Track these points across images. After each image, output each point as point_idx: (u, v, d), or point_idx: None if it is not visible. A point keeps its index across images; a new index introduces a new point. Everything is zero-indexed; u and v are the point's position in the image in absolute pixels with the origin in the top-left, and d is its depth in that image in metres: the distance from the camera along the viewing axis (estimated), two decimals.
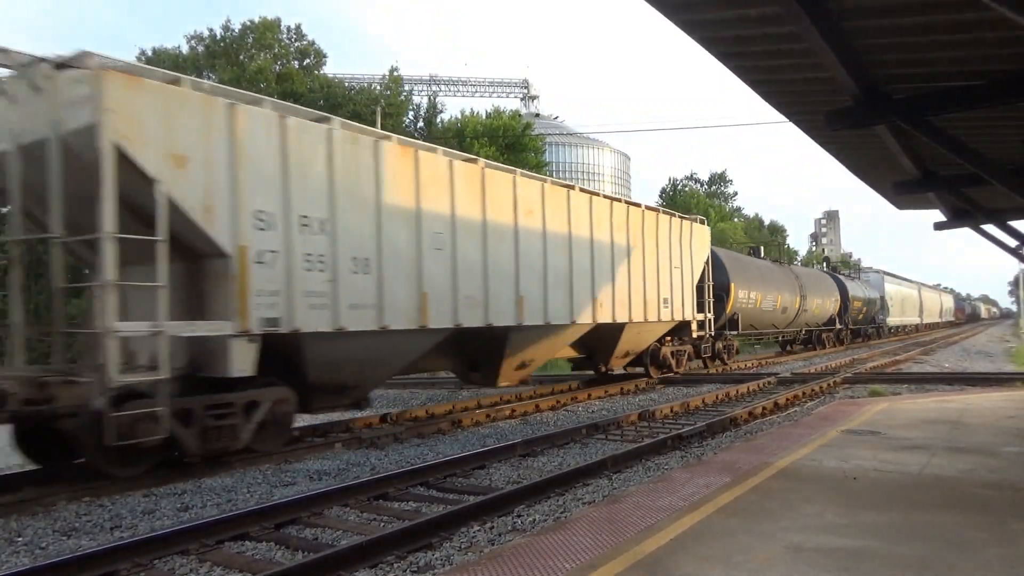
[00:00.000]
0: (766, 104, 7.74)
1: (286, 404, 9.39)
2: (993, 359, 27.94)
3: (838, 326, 35.44)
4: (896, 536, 4.82)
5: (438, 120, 39.68)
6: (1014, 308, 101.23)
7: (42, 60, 8.02)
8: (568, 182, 15.73)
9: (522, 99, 70.58)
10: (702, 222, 20.05)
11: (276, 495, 7.53)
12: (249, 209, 8.58)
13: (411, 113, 39.54)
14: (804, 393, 15.09)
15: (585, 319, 14.25)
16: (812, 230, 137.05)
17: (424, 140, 38.22)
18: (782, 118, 8.21)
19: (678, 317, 17.92)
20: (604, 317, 14.85)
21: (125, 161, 7.55)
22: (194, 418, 8.25)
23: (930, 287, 73.78)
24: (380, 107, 32.21)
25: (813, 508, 5.52)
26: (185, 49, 38.75)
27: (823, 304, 31.93)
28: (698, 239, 19.27)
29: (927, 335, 51.41)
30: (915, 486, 6.21)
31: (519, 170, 13.35)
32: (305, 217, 9.17)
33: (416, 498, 7.36)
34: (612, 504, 5.97)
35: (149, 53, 39.32)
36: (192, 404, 8.25)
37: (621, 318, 15.44)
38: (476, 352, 12.77)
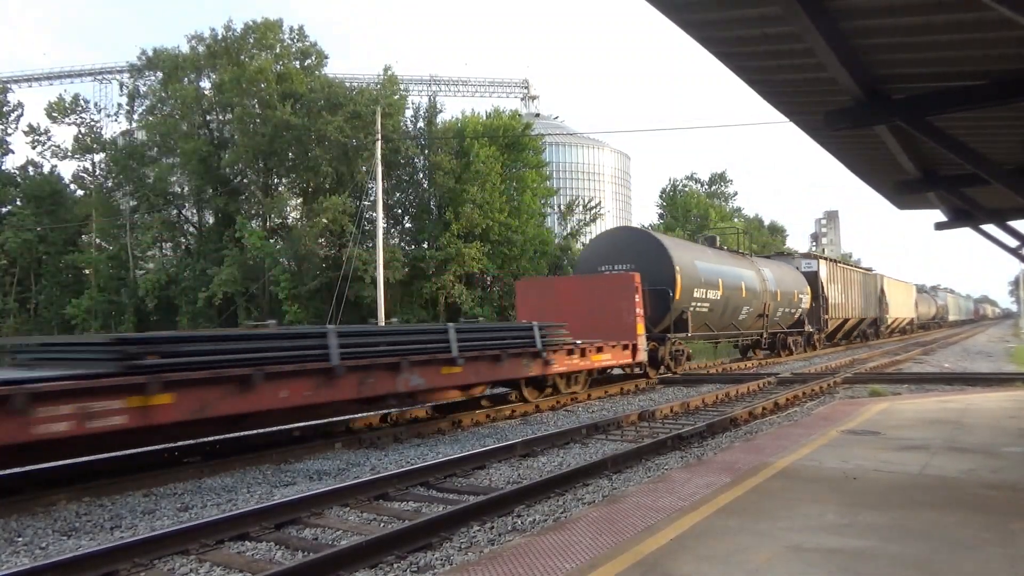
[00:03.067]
0: (766, 104, 7.75)
1: None
2: (993, 359, 27.94)
3: (935, 321, 67.83)
4: (897, 536, 4.82)
5: (438, 120, 39.67)
6: (1014, 308, 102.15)
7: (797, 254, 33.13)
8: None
9: (522, 99, 70.61)
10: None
11: (276, 495, 7.53)
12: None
13: (409, 112, 39.50)
14: (804, 393, 15.09)
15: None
16: (812, 230, 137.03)
17: (424, 140, 38.27)
18: (782, 118, 8.21)
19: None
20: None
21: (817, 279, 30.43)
22: None
23: (959, 295, 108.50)
24: (380, 108, 32.16)
25: (813, 508, 5.51)
26: (185, 49, 38.76)
27: (932, 310, 65.20)
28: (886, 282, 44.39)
29: (927, 335, 52.78)
30: (915, 486, 6.20)
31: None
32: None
33: (416, 498, 7.36)
34: (612, 504, 5.97)
35: (150, 53, 39.39)
36: None
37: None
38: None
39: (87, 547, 5.83)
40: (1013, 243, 13.17)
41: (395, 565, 5.36)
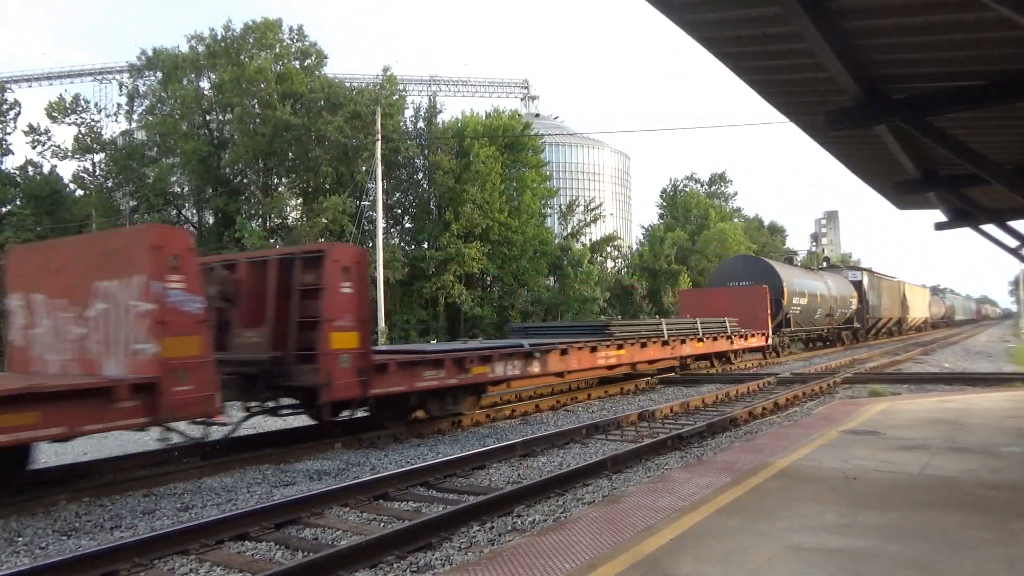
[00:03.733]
0: (766, 104, 7.74)
1: None
2: (993, 359, 27.93)
3: (944, 320, 74.68)
4: (896, 536, 4.82)
5: (438, 120, 39.64)
6: (1014, 308, 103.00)
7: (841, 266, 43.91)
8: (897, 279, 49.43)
9: (522, 99, 70.55)
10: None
11: (276, 495, 7.53)
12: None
13: (409, 112, 39.49)
14: (804, 393, 15.09)
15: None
16: (812, 230, 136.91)
17: (424, 140, 38.28)
18: (782, 118, 8.21)
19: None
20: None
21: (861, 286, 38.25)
22: None
23: (963, 296, 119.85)
24: (380, 108, 32.13)
25: (813, 508, 5.52)
26: (185, 49, 38.73)
27: (942, 310, 73.42)
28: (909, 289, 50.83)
29: (928, 335, 53.00)
30: (915, 486, 6.21)
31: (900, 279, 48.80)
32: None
33: (416, 498, 7.36)
34: (612, 504, 5.97)
35: (149, 53, 39.36)
36: None
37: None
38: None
39: (87, 547, 5.83)
40: (1013, 243, 13.16)
41: (395, 565, 5.36)
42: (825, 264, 48.25)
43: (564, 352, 14.01)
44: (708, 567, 4.29)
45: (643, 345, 16.71)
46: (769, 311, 24.75)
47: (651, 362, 18.08)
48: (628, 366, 17.17)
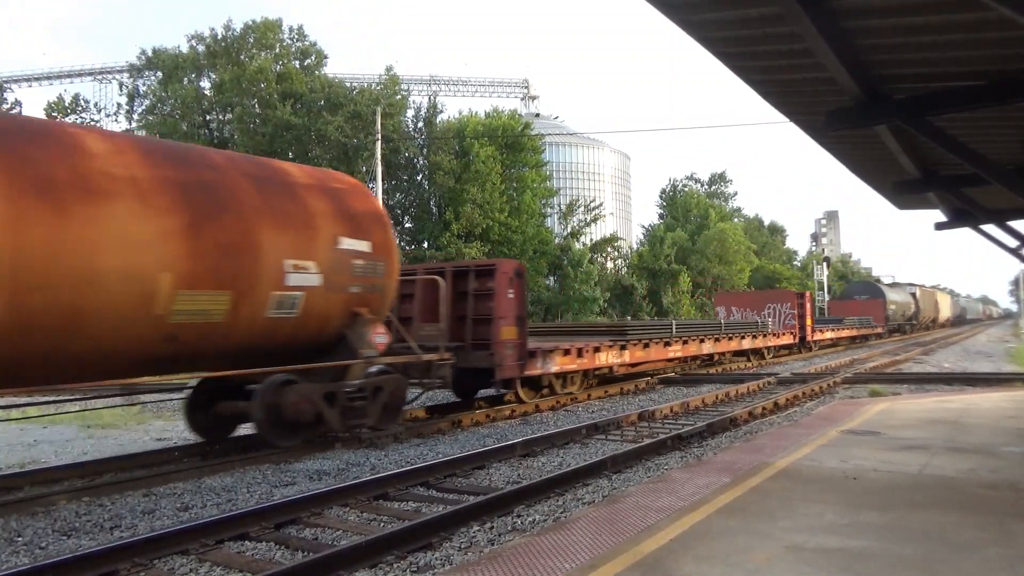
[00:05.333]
0: (766, 104, 7.75)
1: None
2: (993, 359, 27.94)
3: (958, 318, 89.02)
4: (896, 536, 4.82)
5: (438, 120, 39.63)
6: (1014, 308, 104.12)
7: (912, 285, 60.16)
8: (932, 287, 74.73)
9: (522, 99, 70.61)
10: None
11: (276, 495, 7.53)
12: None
13: (410, 112, 39.49)
14: (804, 393, 15.09)
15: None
16: (812, 230, 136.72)
17: (424, 140, 38.28)
18: (782, 118, 8.21)
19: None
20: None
21: (915, 296, 57.32)
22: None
23: (964, 297, 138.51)
24: (380, 108, 32.14)
25: (813, 508, 5.52)
26: (185, 49, 38.73)
27: (958, 310, 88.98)
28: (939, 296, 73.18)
29: (928, 335, 53.34)
30: (915, 486, 6.21)
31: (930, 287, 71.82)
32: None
33: (416, 498, 7.36)
34: (612, 504, 5.98)
35: (149, 53, 39.37)
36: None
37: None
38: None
39: (87, 547, 5.83)
40: (1013, 243, 13.16)
41: (395, 565, 5.36)
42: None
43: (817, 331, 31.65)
44: (708, 567, 4.29)
45: (846, 328, 35.80)
46: (882, 313, 44.16)
47: (854, 338, 37.45)
48: (856, 338, 37.63)
